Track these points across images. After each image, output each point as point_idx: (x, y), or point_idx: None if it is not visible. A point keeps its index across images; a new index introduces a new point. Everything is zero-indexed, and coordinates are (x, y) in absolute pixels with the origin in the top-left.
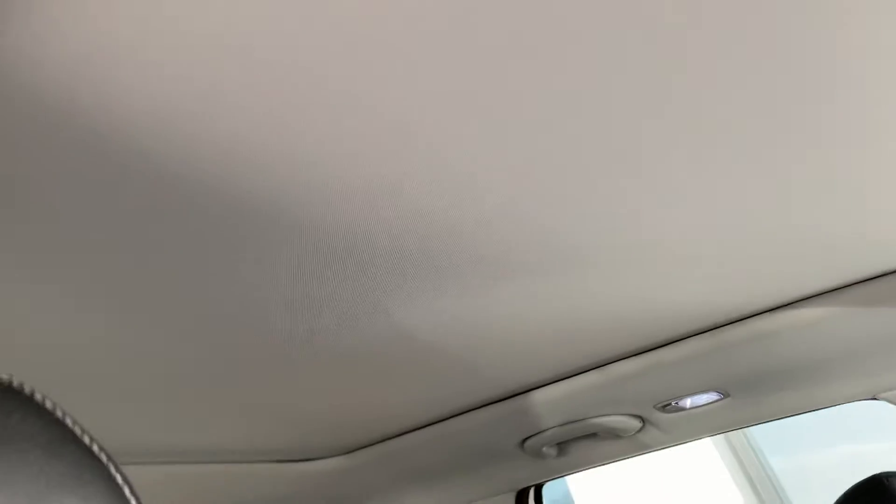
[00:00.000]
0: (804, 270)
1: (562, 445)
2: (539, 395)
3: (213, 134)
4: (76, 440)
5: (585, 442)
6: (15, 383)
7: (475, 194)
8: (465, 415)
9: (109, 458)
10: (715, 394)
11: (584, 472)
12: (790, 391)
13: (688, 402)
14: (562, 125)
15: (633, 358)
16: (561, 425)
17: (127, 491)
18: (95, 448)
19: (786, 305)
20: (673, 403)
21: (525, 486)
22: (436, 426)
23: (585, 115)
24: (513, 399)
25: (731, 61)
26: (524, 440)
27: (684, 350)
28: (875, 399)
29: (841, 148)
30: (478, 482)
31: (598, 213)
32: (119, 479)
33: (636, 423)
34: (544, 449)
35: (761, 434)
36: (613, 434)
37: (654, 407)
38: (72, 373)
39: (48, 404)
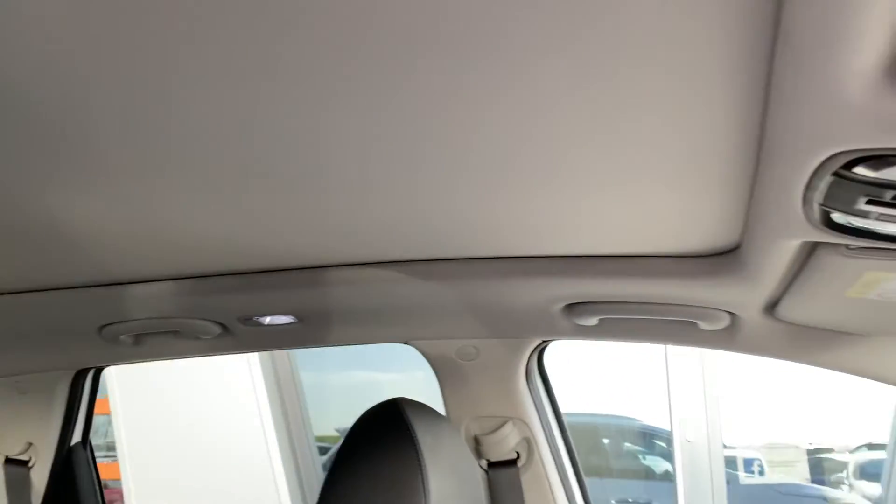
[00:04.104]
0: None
1: (140, 336)
2: (134, 290)
3: None
4: None
5: (165, 337)
6: None
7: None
8: (50, 291)
9: None
10: (290, 317)
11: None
12: (348, 326)
13: (266, 320)
14: None
15: (227, 277)
16: (147, 319)
17: None
18: None
19: (347, 265)
20: (254, 319)
21: (86, 367)
22: (21, 295)
23: None
24: (105, 287)
25: None
26: (104, 326)
27: (267, 279)
28: (406, 343)
29: None
30: (42, 356)
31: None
32: None
33: (217, 329)
34: (122, 337)
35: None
36: (194, 335)
37: (237, 319)
38: None
39: None
